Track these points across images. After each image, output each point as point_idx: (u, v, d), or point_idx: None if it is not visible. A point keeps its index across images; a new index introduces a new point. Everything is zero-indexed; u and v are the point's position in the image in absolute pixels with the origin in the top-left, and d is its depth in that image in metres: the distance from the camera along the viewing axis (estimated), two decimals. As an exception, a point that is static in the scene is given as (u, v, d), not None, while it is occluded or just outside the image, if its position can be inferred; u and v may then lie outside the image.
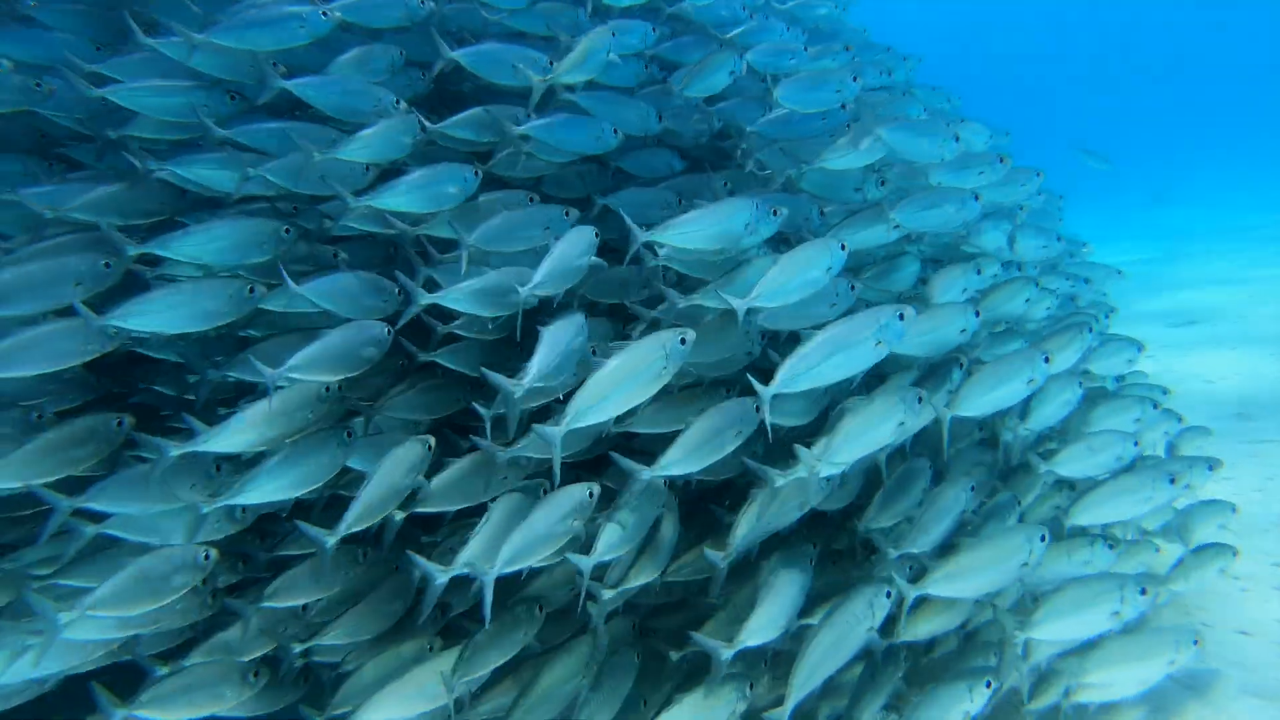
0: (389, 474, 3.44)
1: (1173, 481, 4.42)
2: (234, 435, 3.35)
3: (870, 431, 3.58)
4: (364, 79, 4.30)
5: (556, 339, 3.46)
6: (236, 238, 3.76)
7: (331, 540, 3.31)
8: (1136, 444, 4.66)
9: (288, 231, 3.85)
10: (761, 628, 3.45)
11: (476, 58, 4.43)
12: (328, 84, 4.19)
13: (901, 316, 3.61)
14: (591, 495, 3.47)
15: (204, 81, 4.18)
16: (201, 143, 4.11)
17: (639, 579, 3.66)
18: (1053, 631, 3.78)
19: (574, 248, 3.72)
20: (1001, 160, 4.82)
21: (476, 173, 4.12)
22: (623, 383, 3.34)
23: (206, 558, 3.23)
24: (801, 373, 3.48)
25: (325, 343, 3.52)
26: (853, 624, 3.50)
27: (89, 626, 3.18)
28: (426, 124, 4.23)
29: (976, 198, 4.54)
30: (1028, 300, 4.89)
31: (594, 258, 3.85)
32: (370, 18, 4.42)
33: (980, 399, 4.08)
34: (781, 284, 3.68)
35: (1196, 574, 4.70)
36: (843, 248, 3.81)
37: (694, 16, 5.24)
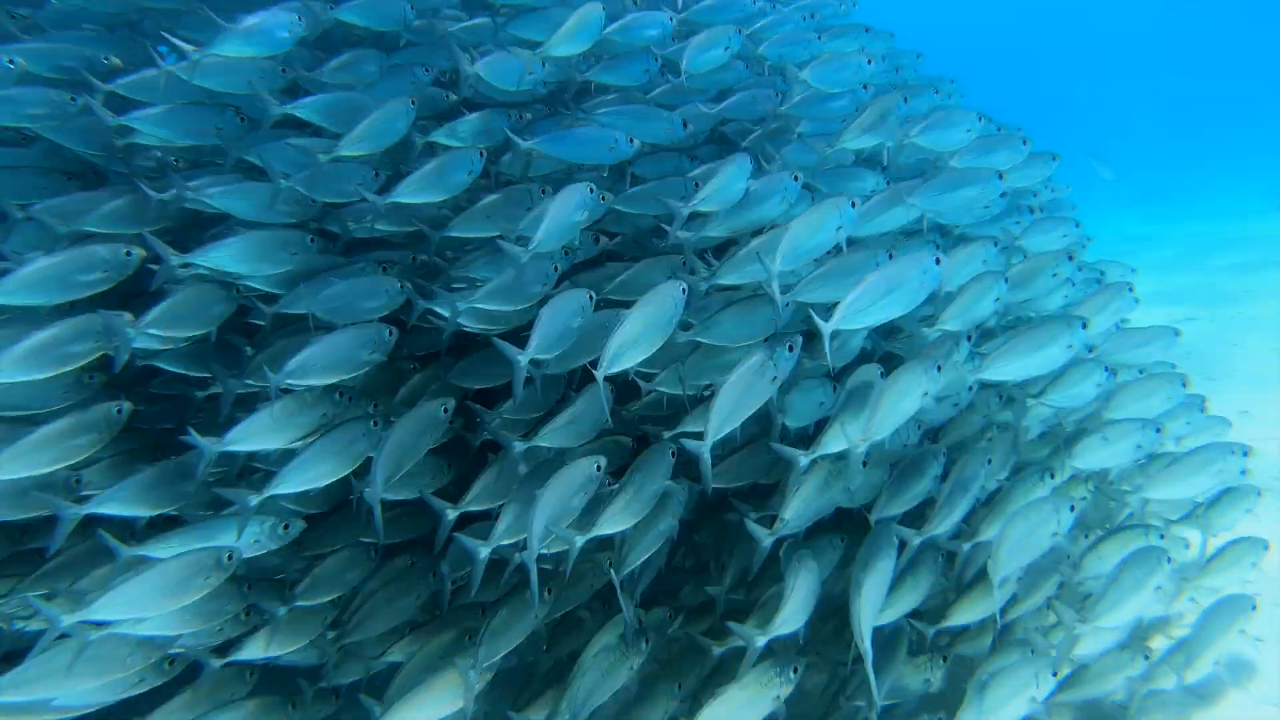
0: (410, 429, 3.48)
1: (1234, 454, 4.44)
2: (255, 436, 3.39)
3: (903, 402, 3.55)
4: (358, 92, 4.34)
5: (557, 311, 3.50)
6: (265, 247, 3.82)
7: (370, 492, 3.31)
8: (1159, 430, 4.62)
9: (312, 241, 3.94)
10: (791, 616, 3.46)
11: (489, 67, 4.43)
12: (326, 103, 4.22)
13: (938, 261, 3.64)
14: (599, 469, 3.47)
15: (213, 100, 4.17)
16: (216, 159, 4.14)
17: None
18: (1113, 618, 3.73)
19: (569, 203, 3.74)
20: (1025, 143, 4.86)
21: (482, 154, 4.17)
22: (645, 329, 3.40)
23: (230, 558, 3.15)
24: (858, 310, 3.50)
25: (331, 344, 3.58)
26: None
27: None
28: (418, 136, 4.28)
29: (1001, 177, 4.55)
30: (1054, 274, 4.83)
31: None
32: (370, 20, 4.51)
33: (1014, 363, 4.06)
34: (795, 247, 3.71)
35: (1231, 570, 4.47)
36: (853, 205, 3.83)
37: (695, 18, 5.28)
